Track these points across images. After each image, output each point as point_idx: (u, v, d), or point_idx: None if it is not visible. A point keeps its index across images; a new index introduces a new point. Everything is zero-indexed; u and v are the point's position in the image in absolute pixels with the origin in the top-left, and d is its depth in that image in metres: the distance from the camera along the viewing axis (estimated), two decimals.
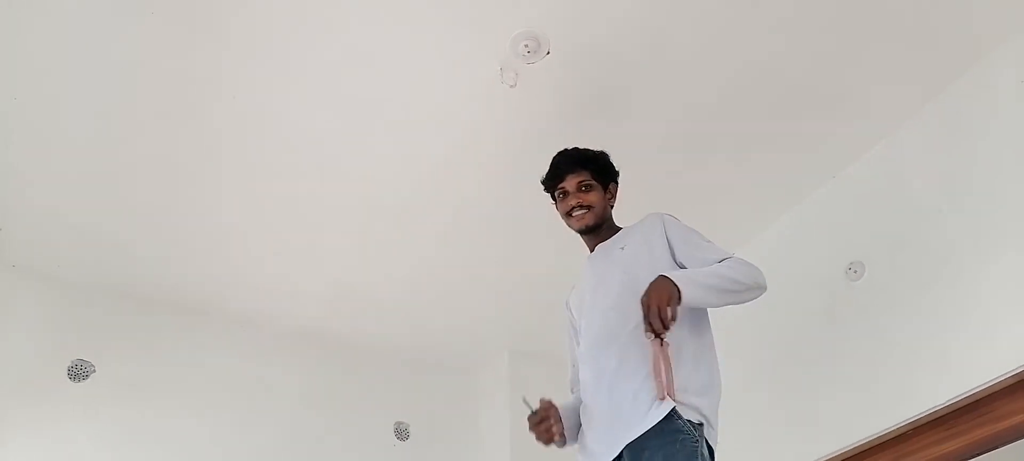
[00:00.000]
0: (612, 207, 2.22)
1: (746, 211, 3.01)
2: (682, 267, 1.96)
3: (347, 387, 3.55)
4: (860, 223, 2.70)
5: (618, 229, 2.19)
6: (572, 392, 2.18)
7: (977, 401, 2.22)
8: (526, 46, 2.32)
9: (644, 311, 1.74)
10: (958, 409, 2.25)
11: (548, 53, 2.35)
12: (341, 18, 2.24)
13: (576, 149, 2.18)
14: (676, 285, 1.75)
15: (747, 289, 1.89)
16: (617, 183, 2.23)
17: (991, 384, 2.17)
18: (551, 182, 2.18)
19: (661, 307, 1.71)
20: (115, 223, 2.89)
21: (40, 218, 2.86)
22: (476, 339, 3.63)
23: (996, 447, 2.26)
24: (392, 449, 3.51)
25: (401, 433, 3.55)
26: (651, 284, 1.77)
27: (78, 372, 3.02)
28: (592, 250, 2.20)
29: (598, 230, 2.15)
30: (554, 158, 2.18)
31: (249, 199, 2.83)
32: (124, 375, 3.09)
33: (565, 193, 2.14)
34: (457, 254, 3.13)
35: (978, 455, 2.28)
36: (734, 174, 2.83)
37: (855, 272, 2.65)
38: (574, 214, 2.13)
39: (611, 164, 2.21)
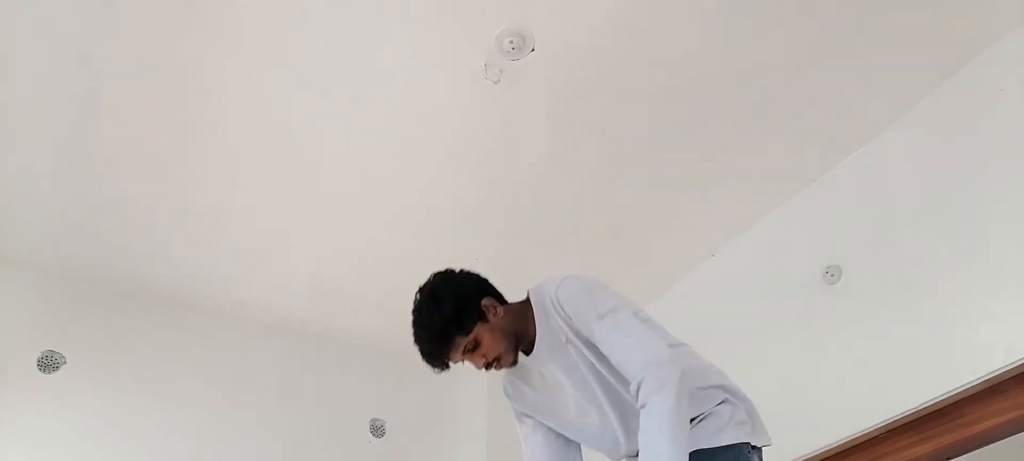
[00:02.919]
0: (506, 316, 1.75)
1: (725, 213, 3.01)
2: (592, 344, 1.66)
3: (322, 382, 3.51)
4: (839, 227, 2.72)
5: (530, 324, 1.77)
6: None
7: (950, 405, 2.24)
8: (511, 43, 2.31)
9: None
10: (931, 413, 2.28)
11: (532, 50, 2.34)
12: (324, 10, 2.22)
13: (421, 332, 1.74)
14: None
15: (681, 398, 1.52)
16: (491, 296, 1.78)
17: (964, 389, 2.20)
18: (438, 369, 1.77)
19: None
20: (89, 212, 2.84)
21: (12, 206, 2.79)
22: None
23: (968, 451, 2.28)
24: (368, 446, 3.49)
25: (377, 430, 3.53)
26: None
27: (48, 363, 2.97)
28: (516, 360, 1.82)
29: (521, 346, 1.79)
30: (418, 346, 1.75)
31: (226, 191, 2.79)
32: (96, 367, 3.04)
33: (463, 362, 1.78)
34: (435, 248, 3.08)
35: (950, 459, 2.31)
36: (714, 176, 2.83)
37: (832, 275, 2.67)
38: (492, 370, 1.79)
39: (465, 305, 1.73)
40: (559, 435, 1.86)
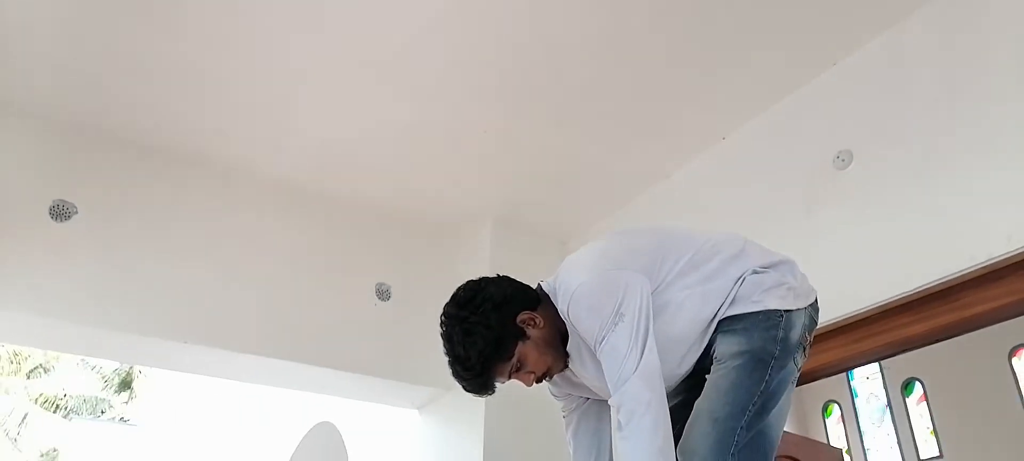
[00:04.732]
0: (546, 324, 1.63)
1: (743, 96, 2.98)
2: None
3: (329, 245, 3.56)
4: (855, 112, 2.71)
5: (559, 318, 1.65)
6: None
7: (947, 288, 2.30)
8: None
9: None
10: (928, 295, 2.34)
11: None
12: None
13: (459, 369, 1.61)
14: None
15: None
16: (526, 305, 1.63)
17: (963, 273, 2.25)
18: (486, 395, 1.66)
19: None
20: (102, 64, 2.79)
21: (25, 56, 2.75)
22: (461, 204, 3.65)
23: (959, 334, 2.37)
24: (373, 309, 3.57)
25: (382, 293, 3.60)
26: None
27: (60, 212, 3.00)
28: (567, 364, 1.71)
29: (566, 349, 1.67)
30: (457, 382, 1.64)
31: (238, 48, 2.74)
32: (106, 217, 3.07)
33: (512, 380, 1.67)
34: (446, 116, 3.09)
35: (940, 340, 2.39)
36: (733, 58, 2.79)
37: (843, 160, 2.68)
38: (541, 382, 1.69)
39: (502, 330, 1.59)
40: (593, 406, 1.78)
